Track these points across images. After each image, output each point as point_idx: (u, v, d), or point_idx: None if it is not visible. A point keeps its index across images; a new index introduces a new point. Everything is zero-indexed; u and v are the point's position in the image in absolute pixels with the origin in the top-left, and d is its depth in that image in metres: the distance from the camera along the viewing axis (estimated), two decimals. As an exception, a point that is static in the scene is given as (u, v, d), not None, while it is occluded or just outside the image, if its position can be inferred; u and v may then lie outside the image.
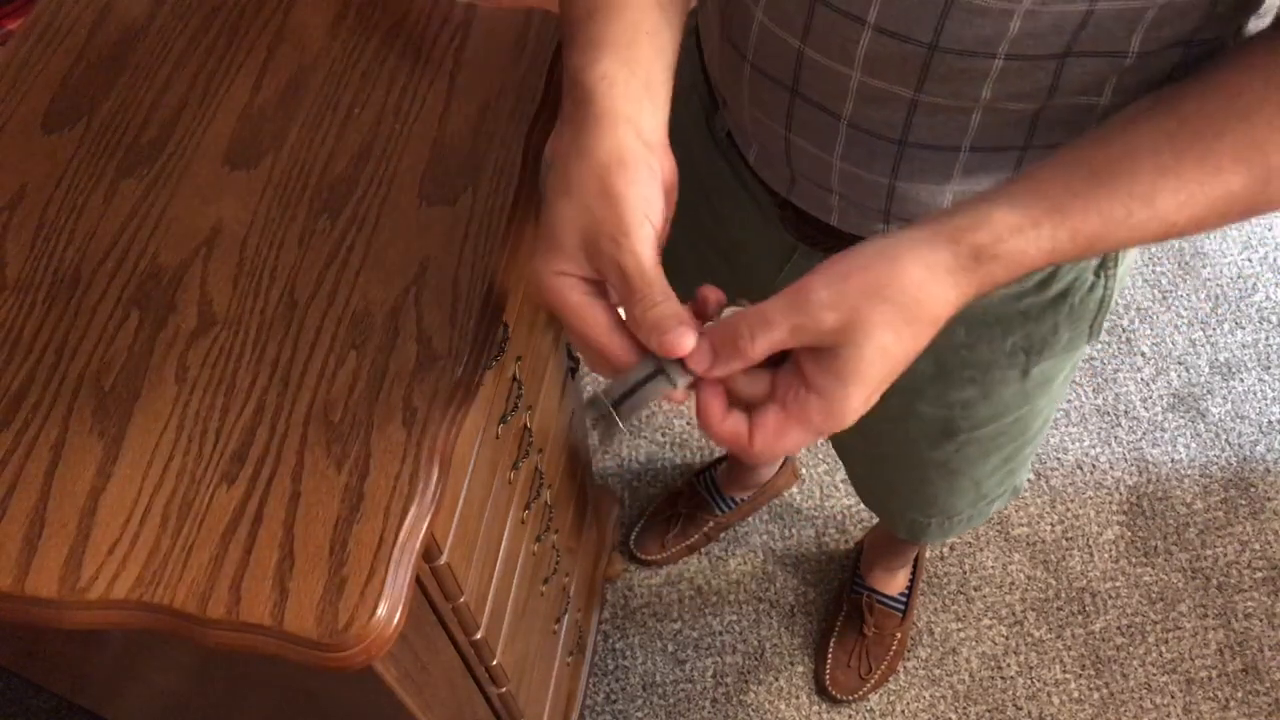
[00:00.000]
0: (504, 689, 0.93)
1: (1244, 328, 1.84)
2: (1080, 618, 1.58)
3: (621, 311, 0.50)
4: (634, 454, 1.73)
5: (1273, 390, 1.77)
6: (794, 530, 1.66)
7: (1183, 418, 1.75)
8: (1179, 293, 1.88)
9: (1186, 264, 1.91)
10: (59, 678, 0.87)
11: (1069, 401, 1.76)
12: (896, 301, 0.46)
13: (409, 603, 0.57)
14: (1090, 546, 1.64)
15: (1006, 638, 1.56)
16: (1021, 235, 0.47)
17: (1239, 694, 1.52)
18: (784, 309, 0.46)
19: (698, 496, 1.62)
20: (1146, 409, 1.76)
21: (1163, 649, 1.55)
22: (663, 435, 1.74)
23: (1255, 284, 1.89)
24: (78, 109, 0.74)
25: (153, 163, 0.71)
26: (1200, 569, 1.62)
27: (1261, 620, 1.57)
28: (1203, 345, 1.82)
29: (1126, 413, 1.76)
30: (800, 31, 0.57)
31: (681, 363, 0.48)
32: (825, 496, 1.69)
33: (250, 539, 0.57)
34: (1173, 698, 1.52)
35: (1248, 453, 1.72)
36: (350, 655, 0.54)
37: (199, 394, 0.62)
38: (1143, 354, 1.81)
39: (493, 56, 0.76)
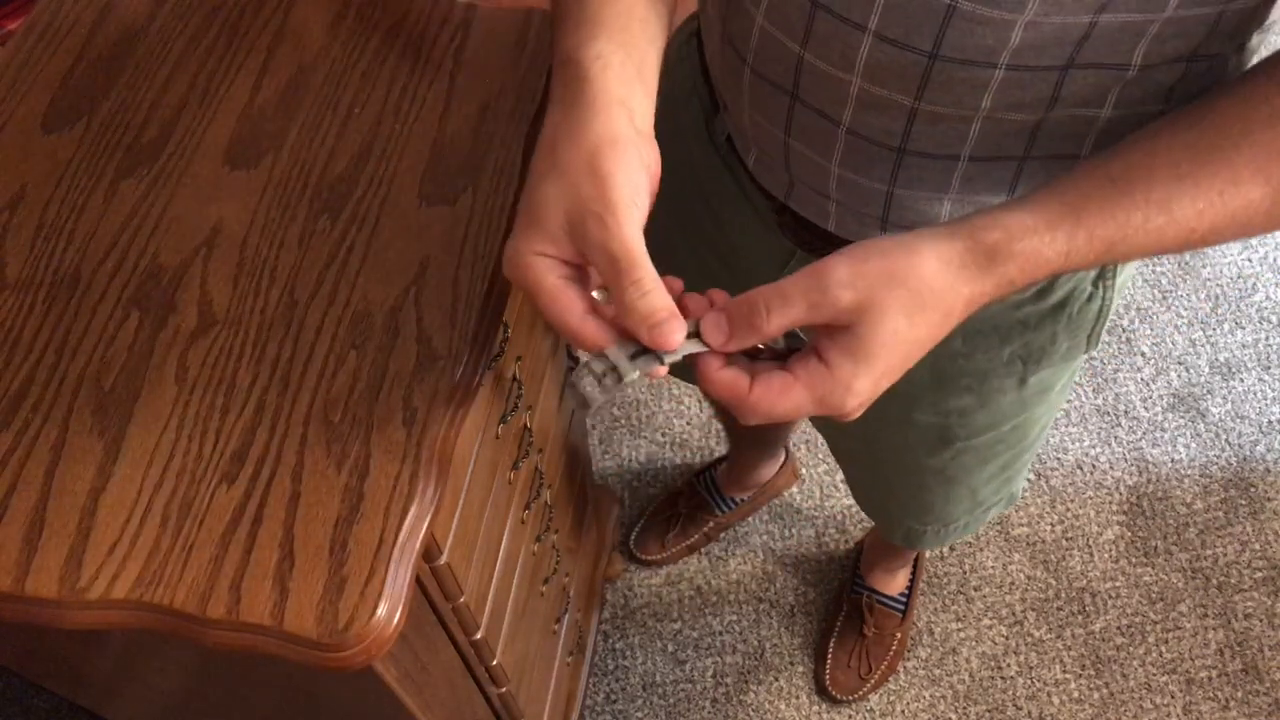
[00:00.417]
0: (504, 689, 0.93)
1: (1244, 328, 1.84)
2: (1080, 618, 1.58)
3: (596, 293, 0.50)
4: (634, 454, 1.73)
5: (1273, 390, 1.78)
6: (794, 530, 1.66)
7: (1183, 418, 1.75)
8: (1179, 293, 1.88)
9: (1186, 264, 1.91)
10: (59, 678, 0.87)
11: (1069, 401, 1.76)
12: (911, 287, 0.46)
13: (409, 603, 0.57)
14: (1090, 546, 1.64)
15: (1006, 638, 1.56)
16: (1036, 236, 0.48)
17: (1239, 694, 1.52)
18: (803, 286, 0.46)
19: (698, 496, 1.62)
20: (1146, 409, 1.76)
21: (1163, 649, 1.55)
22: (663, 435, 1.74)
23: (1255, 284, 1.89)
24: (78, 109, 0.74)
25: (153, 163, 0.71)
26: (1200, 569, 1.62)
27: (1261, 620, 1.57)
28: (1203, 345, 1.82)
29: (1126, 413, 1.76)
30: (801, 37, 0.57)
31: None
32: (825, 496, 1.69)
33: (250, 539, 0.57)
34: (1173, 698, 1.52)
35: (1248, 453, 1.72)
36: (350, 655, 0.54)
37: (199, 394, 0.62)
38: (1143, 354, 1.81)
39: (493, 56, 0.76)
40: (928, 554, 1.61)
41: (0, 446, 0.60)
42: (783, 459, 1.63)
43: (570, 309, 0.48)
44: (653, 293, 0.47)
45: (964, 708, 1.51)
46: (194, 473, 0.59)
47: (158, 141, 0.72)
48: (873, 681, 1.51)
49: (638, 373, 0.48)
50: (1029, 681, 1.53)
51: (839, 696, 1.50)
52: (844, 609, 1.55)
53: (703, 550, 1.64)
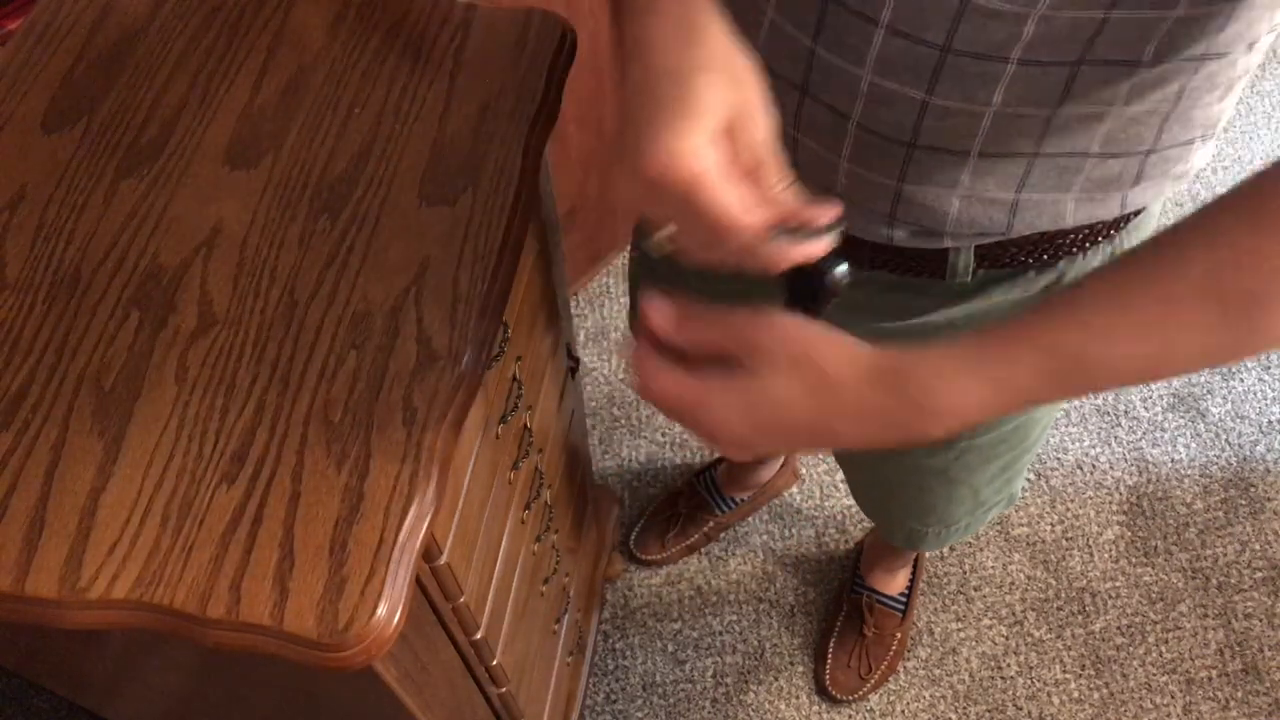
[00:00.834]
0: (504, 689, 0.93)
1: (1244, 328, 1.84)
2: (1080, 618, 1.58)
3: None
4: (634, 454, 1.73)
5: (1273, 390, 1.78)
6: (794, 530, 1.66)
7: (1183, 418, 1.75)
8: (1179, 293, 1.88)
9: (1186, 264, 1.91)
10: (59, 678, 0.87)
11: (1069, 401, 1.76)
12: (807, 365, 0.47)
13: (409, 603, 0.57)
14: (1090, 546, 1.64)
15: (1006, 638, 1.56)
16: (952, 353, 0.47)
17: (1239, 694, 1.52)
18: (746, 317, 0.48)
19: (698, 496, 1.62)
20: (1146, 409, 1.76)
21: (1163, 649, 1.55)
22: (663, 435, 1.74)
23: (1255, 284, 1.89)
24: (78, 109, 0.74)
25: (153, 163, 0.71)
26: (1200, 569, 1.62)
27: (1261, 620, 1.57)
28: (1203, 345, 1.82)
29: (1126, 413, 1.76)
30: (812, 30, 0.57)
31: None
32: (825, 496, 1.69)
33: (250, 539, 0.57)
34: (1173, 698, 1.52)
35: (1248, 453, 1.72)
36: (350, 655, 0.54)
37: (199, 394, 0.62)
38: (1143, 354, 1.81)
39: (493, 56, 0.76)
40: (928, 554, 1.61)
41: (0, 446, 0.60)
42: (782, 459, 1.63)
43: (739, 199, 0.46)
44: (788, 185, 0.47)
45: (964, 708, 1.51)
46: (194, 473, 0.59)
47: (158, 141, 0.72)
48: (873, 681, 1.51)
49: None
50: (1029, 681, 1.53)
51: (839, 696, 1.50)
52: (844, 609, 1.55)
53: (703, 550, 1.64)
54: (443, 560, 0.67)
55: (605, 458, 1.72)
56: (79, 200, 0.70)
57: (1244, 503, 1.67)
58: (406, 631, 0.64)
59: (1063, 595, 1.60)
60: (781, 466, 1.63)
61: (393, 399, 0.61)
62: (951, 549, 1.63)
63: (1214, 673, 1.53)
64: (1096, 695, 1.52)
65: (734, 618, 1.59)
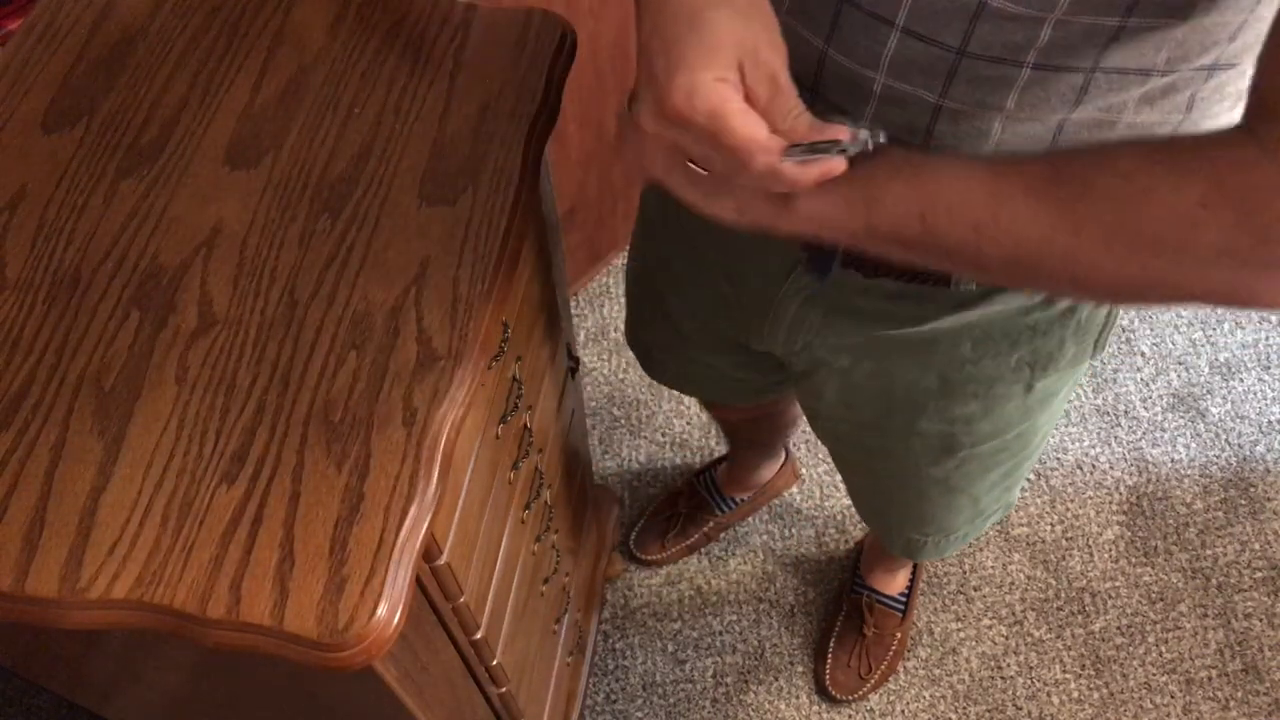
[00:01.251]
0: (504, 689, 0.93)
1: (1244, 328, 1.84)
2: (1080, 618, 1.58)
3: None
4: (634, 454, 1.73)
5: (1272, 390, 1.78)
6: (794, 530, 1.66)
7: (1183, 418, 1.75)
8: (1179, 293, 1.88)
9: (1186, 264, 1.91)
10: (59, 678, 0.87)
11: (1069, 401, 1.76)
12: None
13: (409, 603, 0.57)
14: (1090, 546, 1.64)
15: (1006, 638, 1.56)
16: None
17: (1239, 694, 1.52)
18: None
19: (698, 496, 1.62)
20: (1146, 409, 1.76)
21: (1163, 649, 1.55)
22: (663, 435, 1.74)
23: (1255, 284, 1.89)
24: (78, 109, 0.74)
25: (153, 163, 0.71)
26: (1200, 569, 1.62)
27: (1261, 620, 1.57)
28: (1203, 345, 1.82)
29: (1126, 413, 1.76)
30: (826, 32, 0.57)
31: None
32: (825, 496, 1.69)
33: (250, 539, 0.57)
34: (1173, 698, 1.52)
35: (1248, 453, 1.72)
36: (350, 655, 0.54)
37: (199, 394, 0.62)
38: (1143, 354, 1.81)
39: (493, 56, 0.76)
40: (927, 554, 1.61)
41: (0, 446, 0.60)
42: (783, 459, 1.63)
43: (760, 126, 0.48)
44: (804, 110, 0.49)
45: (964, 707, 1.51)
46: (194, 473, 0.59)
47: (158, 141, 0.72)
48: (873, 681, 1.51)
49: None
50: (1029, 681, 1.53)
51: (839, 696, 1.50)
52: (844, 609, 1.55)
53: (703, 550, 1.64)
54: (443, 560, 0.67)
55: (605, 458, 1.72)
56: (79, 200, 0.70)
57: (1244, 503, 1.67)
58: (406, 631, 0.64)
59: (1062, 595, 1.60)
60: (781, 467, 1.63)
61: (393, 399, 0.61)
62: (951, 549, 1.64)
63: (1214, 673, 1.53)
64: (1096, 695, 1.52)
65: (734, 618, 1.59)
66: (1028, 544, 1.64)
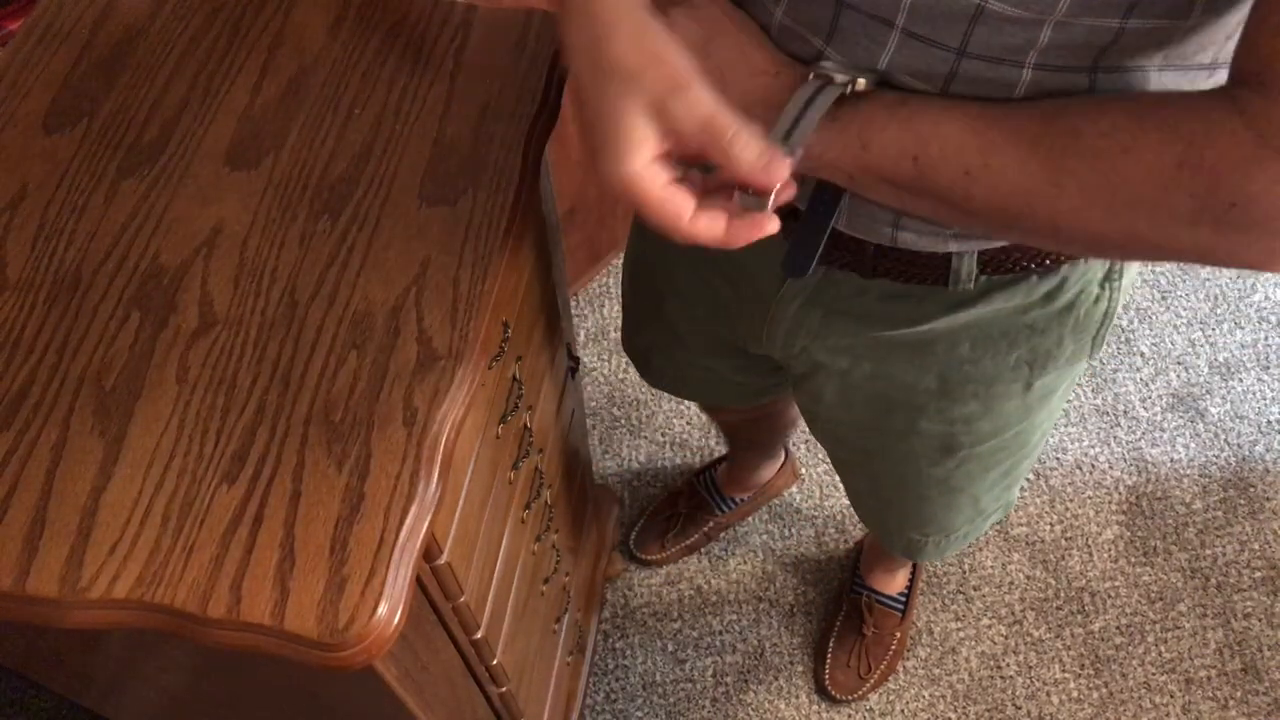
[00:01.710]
0: (504, 689, 0.93)
1: (1243, 328, 1.84)
2: (1079, 617, 1.58)
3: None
4: (634, 454, 1.73)
5: (1272, 390, 1.78)
6: (794, 530, 1.66)
7: (1182, 418, 1.75)
8: (1178, 293, 1.88)
9: (1186, 264, 1.92)
10: (59, 678, 0.87)
11: (1069, 401, 1.76)
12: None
13: (409, 602, 0.57)
14: (1090, 546, 1.64)
15: (1006, 637, 1.57)
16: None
17: (1238, 694, 1.52)
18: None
19: (698, 496, 1.62)
20: (1146, 409, 1.76)
21: (1162, 649, 1.55)
22: (663, 435, 1.74)
23: (1254, 284, 1.89)
24: (79, 109, 0.74)
25: (153, 163, 0.71)
26: (1199, 569, 1.62)
27: (1260, 620, 1.57)
28: (1202, 345, 1.82)
29: (1126, 412, 1.76)
30: (825, 33, 0.57)
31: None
32: (825, 496, 1.69)
33: (251, 539, 0.57)
34: (1172, 697, 1.52)
35: (1247, 453, 1.72)
36: (350, 655, 0.55)
37: (200, 394, 0.62)
38: (1142, 354, 1.82)
39: (493, 56, 0.77)
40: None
41: (1, 446, 0.60)
42: (782, 459, 1.63)
43: (682, 212, 0.50)
44: (751, 139, 0.49)
45: (963, 707, 1.51)
46: (195, 473, 0.59)
47: (158, 142, 0.72)
48: (872, 681, 1.51)
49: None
50: (1028, 681, 1.53)
51: (838, 696, 1.50)
52: (843, 609, 1.55)
53: (703, 550, 1.64)
54: (443, 560, 0.67)
55: (605, 458, 1.72)
56: (80, 200, 0.70)
57: (1243, 503, 1.67)
58: (407, 631, 0.64)
59: (1062, 595, 1.60)
60: (781, 467, 1.64)
61: (393, 399, 0.61)
62: (951, 549, 1.64)
63: (1213, 672, 1.53)
64: (1096, 695, 1.52)
65: (734, 617, 1.59)
66: (1027, 544, 1.64)
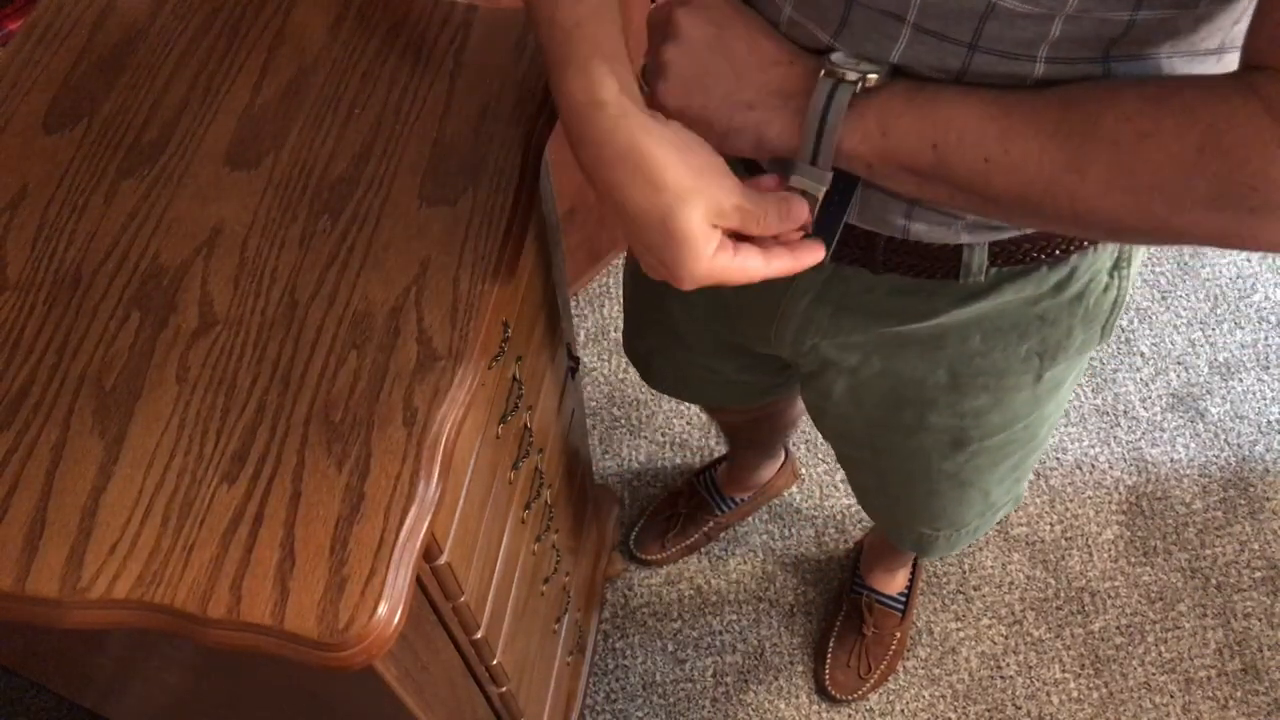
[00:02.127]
0: (504, 688, 0.93)
1: (1243, 328, 1.84)
2: (1079, 617, 1.58)
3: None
4: (634, 454, 1.73)
5: (1272, 390, 1.78)
6: (794, 530, 1.66)
7: (1182, 418, 1.75)
8: (1178, 293, 1.88)
9: (1185, 264, 1.92)
10: (59, 678, 0.87)
11: (1069, 401, 1.76)
12: None
13: (409, 602, 0.57)
14: (1089, 546, 1.64)
15: (1006, 637, 1.57)
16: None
17: (1238, 694, 1.52)
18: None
19: (698, 496, 1.62)
20: (1146, 409, 1.76)
21: (1162, 649, 1.55)
22: (663, 435, 1.74)
23: (1254, 284, 1.89)
24: (78, 109, 0.74)
25: (153, 163, 0.71)
26: (1199, 569, 1.62)
27: (1260, 620, 1.57)
28: (1202, 345, 1.82)
29: (1126, 412, 1.76)
30: (834, 28, 0.56)
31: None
32: (825, 496, 1.69)
33: (251, 539, 0.57)
34: (1172, 697, 1.52)
35: (1247, 453, 1.72)
36: (350, 655, 0.55)
37: (200, 394, 0.62)
38: (1142, 354, 1.82)
39: (493, 56, 0.77)
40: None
41: (1, 446, 0.60)
42: (782, 459, 1.63)
43: (757, 266, 0.58)
44: (772, 211, 0.57)
45: (963, 707, 1.52)
46: (195, 473, 0.59)
47: (158, 142, 0.72)
48: (872, 681, 1.51)
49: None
50: (1028, 681, 1.53)
51: (838, 696, 1.50)
52: (843, 609, 1.55)
53: (703, 550, 1.64)
54: (443, 560, 0.67)
55: (605, 458, 1.72)
56: (80, 200, 0.70)
57: (1243, 503, 1.67)
58: (407, 631, 0.64)
59: (1062, 595, 1.60)
60: (781, 467, 1.64)
61: (393, 399, 0.61)
62: (951, 549, 1.64)
63: (1213, 672, 1.53)
64: (1096, 695, 1.52)
65: (734, 617, 1.59)
66: (1027, 544, 1.64)
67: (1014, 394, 0.81)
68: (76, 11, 0.79)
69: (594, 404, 1.77)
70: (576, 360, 1.07)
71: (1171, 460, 1.71)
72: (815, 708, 1.52)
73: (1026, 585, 1.61)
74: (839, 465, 1.61)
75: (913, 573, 1.57)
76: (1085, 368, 0.85)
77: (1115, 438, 1.73)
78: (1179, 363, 1.80)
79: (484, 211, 0.69)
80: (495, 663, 0.86)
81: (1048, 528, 1.66)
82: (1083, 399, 1.77)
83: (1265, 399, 1.77)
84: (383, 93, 0.75)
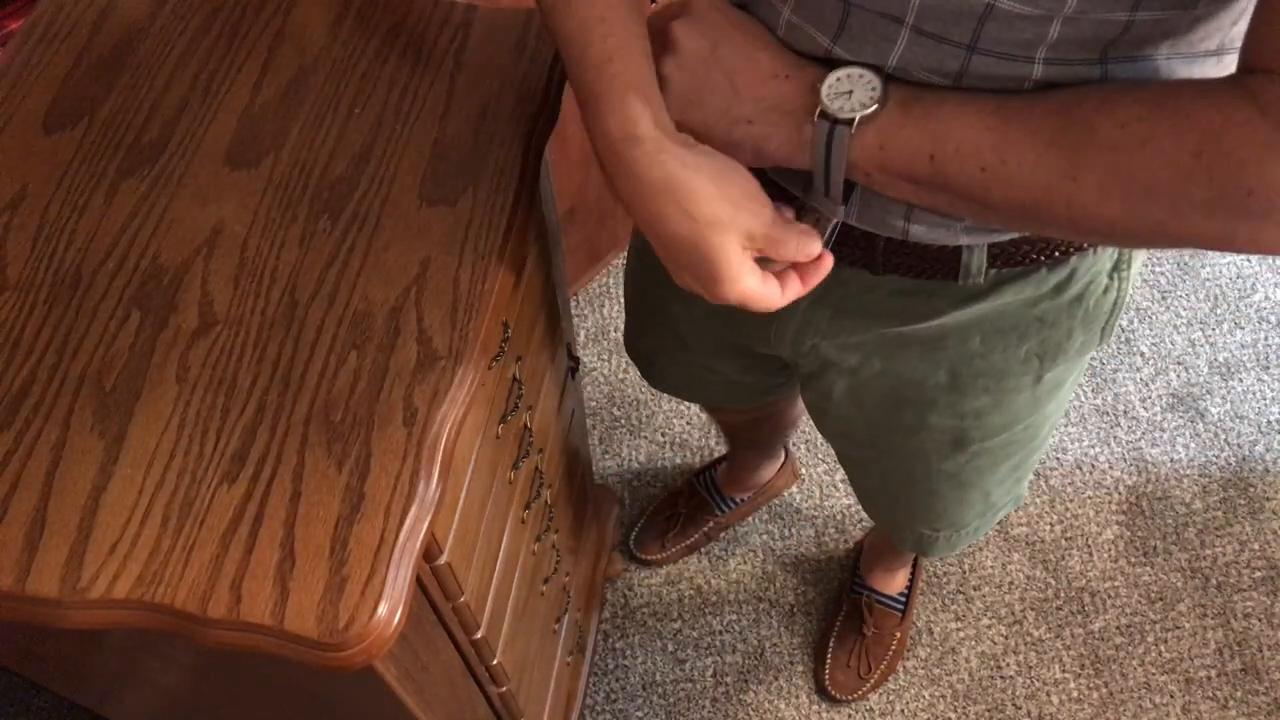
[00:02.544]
0: (504, 688, 0.93)
1: (1243, 328, 1.84)
2: (1079, 617, 1.58)
3: None
4: (634, 454, 1.73)
5: (1271, 390, 1.78)
6: (794, 530, 1.66)
7: (1182, 418, 1.75)
8: (1178, 293, 1.88)
9: (1185, 264, 1.92)
10: (59, 678, 0.87)
11: (1069, 402, 1.76)
12: None
13: (409, 602, 0.57)
14: (1089, 546, 1.64)
15: (1006, 637, 1.57)
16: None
17: (1238, 694, 1.52)
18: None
19: (698, 496, 1.62)
20: (1146, 409, 1.76)
21: (1162, 649, 1.55)
22: (663, 435, 1.74)
23: (1254, 284, 1.89)
24: (79, 109, 0.74)
25: (153, 163, 0.71)
26: (1199, 569, 1.62)
27: (1260, 620, 1.57)
28: (1202, 345, 1.82)
29: (1126, 412, 1.76)
30: (833, 31, 0.57)
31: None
32: (825, 496, 1.69)
33: (251, 539, 0.57)
34: (1172, 697, 1.52)
35: (1247, 453, 1.72)
36: (350, 655, 0.55)
37: (200, 394, 0.62)
38: (1142, 354, 1.82)
39: (493, 56, 0.77)
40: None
41: (1, 446, 0.60)
42: (782, 459, 1.63)
43: (778, 293, 0.60)
44: (797, 243, 0.60)
45: (963, 707, 1.52)
46: (195, 472, 0.59)
47: (158, 142, 0.72)
48: (872, 681, 1.51)
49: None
50: (1028, 681, 1.53)
51: (839, 696, 1.50)
52: (844, 609, 1.55)
53: (703, 550, 1.64)
54: (443, 560, 0.67)
55: (605, 458, 1.72)
56: (80, 200, 0.70)
57: (1243, 503, 1.67)
58: (407, 631, 0.64)
59: (1062, 595, 1.60)
60: (781, 467, 1.64)
61: (393, 399, 0.61)
62: (951, 549, 1.64)
63: (1213, 672, 1.53)
64: (1096, 695, 1.52)
65: (734, 617, 1.59)
66: (1027, 544, 1.64)
67: (1014, 395, 0.81)
68: (76, 11, 0.79)
69: (594, 404, 1.77)
70: (576, 360, 1.07)
71: (1171, 460, 1.71)
72: (815, 708, 1.52)
73: (1026, 585, 1.61)
74: (839, 465, 1.61)
75: (913, 573, 1.57)
76: (1085, 368, 0.85)
77: (1115, 438, 1.73)
78: (1179, 363, 1.80)
79: (484, 211, 0.69)
80: (495, 663, 0.86)
81: (1048, 528, 1.66)
82: (1083, 399, 1.77)
83: (1265, 399, 1.77)
84: (383, 92, 0.75)
